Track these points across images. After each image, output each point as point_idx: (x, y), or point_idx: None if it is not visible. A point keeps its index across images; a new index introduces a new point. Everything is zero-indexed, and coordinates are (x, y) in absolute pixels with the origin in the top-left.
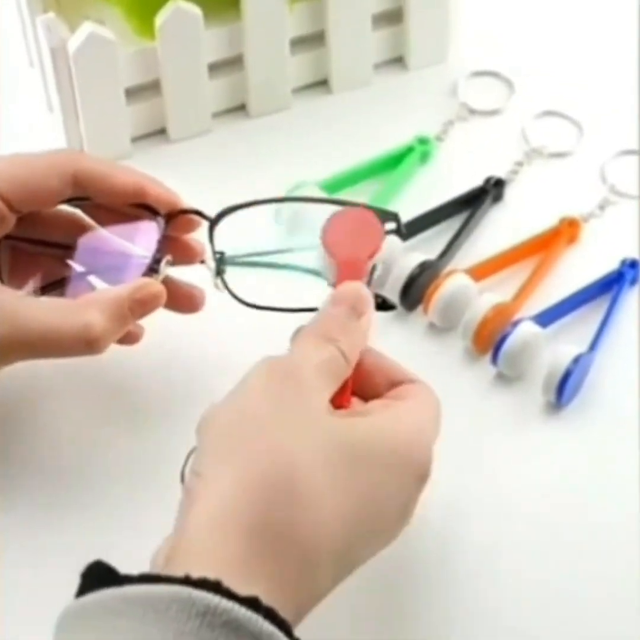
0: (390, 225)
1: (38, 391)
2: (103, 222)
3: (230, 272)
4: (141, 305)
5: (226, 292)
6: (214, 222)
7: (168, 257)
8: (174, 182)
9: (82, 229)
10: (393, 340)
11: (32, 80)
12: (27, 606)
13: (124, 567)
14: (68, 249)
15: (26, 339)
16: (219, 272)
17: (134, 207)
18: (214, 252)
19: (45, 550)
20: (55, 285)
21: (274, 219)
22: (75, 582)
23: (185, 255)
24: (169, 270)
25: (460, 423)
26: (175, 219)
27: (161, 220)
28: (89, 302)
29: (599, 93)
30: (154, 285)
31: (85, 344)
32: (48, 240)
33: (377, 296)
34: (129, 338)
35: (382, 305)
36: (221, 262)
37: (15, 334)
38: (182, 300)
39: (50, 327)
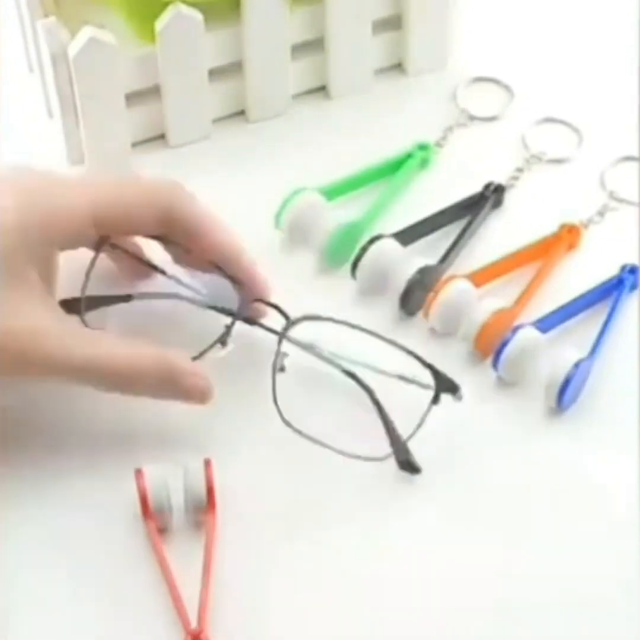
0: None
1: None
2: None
3: None
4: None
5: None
6: (286, 328)
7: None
8: None
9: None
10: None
11: (32, 86)
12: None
13: None
14: None
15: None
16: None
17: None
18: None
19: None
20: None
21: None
22: None
23: None
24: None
25: (460, 428)
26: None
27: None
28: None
29: (599, 99)
30: (207, 381)
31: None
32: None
33: (400, 456)
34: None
35: (406, 465)
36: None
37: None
38: None
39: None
